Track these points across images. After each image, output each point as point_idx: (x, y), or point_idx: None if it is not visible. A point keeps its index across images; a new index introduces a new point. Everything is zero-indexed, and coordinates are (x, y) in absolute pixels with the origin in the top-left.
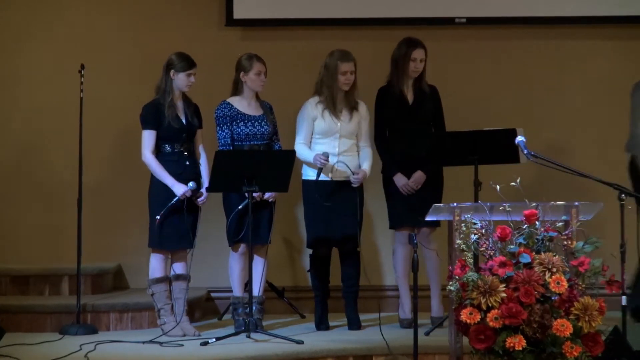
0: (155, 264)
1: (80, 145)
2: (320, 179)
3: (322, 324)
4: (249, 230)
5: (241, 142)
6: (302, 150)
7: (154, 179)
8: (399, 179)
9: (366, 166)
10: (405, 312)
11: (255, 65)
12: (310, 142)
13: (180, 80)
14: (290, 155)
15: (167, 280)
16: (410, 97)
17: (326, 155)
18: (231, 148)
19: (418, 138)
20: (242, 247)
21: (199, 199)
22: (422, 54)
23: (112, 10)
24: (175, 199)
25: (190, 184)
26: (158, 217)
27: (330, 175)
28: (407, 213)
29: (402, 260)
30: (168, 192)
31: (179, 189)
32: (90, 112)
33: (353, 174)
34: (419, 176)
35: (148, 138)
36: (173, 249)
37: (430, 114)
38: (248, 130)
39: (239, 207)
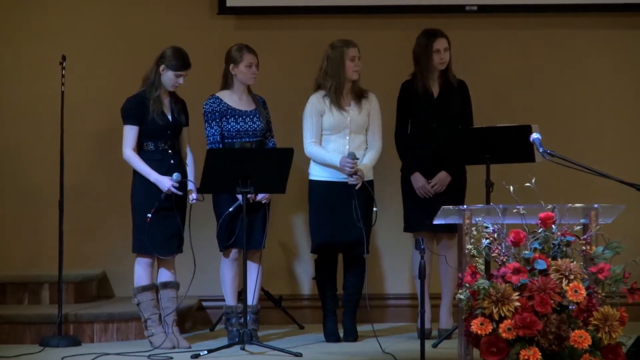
0: (141, 271)
1: (62, 142)
2: (330, 179)
3: (332, 336)
4: (242, 234)
5: (231, 139)
6: (318, 152)
7: (136, 179)
8: (417, 180)
9: (367, 160)
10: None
11: (246, 57)
12: (321, 140)
13: (168, 78)
14: (288, 153)
15: (153, 288)
16: (435, 91)
17: (352, 157)
18: (221, 146)
19: (442, 134)
20: (234, 252)
21: (191, 197)
22: (444, 43)
23: None
24: (162, 195)
25: (174, 175)
26: (149, 215)
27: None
28: (424, 217)
29: None
30: (152, 192)
31: (164, 183)
32: (72, 106)
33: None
34: (443, 177)
35: (129, 134)
36: (160, 255)
37: (458, 109)
38: (239, 127)
39: (230, 210)
